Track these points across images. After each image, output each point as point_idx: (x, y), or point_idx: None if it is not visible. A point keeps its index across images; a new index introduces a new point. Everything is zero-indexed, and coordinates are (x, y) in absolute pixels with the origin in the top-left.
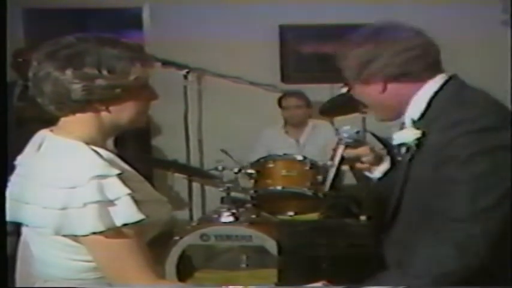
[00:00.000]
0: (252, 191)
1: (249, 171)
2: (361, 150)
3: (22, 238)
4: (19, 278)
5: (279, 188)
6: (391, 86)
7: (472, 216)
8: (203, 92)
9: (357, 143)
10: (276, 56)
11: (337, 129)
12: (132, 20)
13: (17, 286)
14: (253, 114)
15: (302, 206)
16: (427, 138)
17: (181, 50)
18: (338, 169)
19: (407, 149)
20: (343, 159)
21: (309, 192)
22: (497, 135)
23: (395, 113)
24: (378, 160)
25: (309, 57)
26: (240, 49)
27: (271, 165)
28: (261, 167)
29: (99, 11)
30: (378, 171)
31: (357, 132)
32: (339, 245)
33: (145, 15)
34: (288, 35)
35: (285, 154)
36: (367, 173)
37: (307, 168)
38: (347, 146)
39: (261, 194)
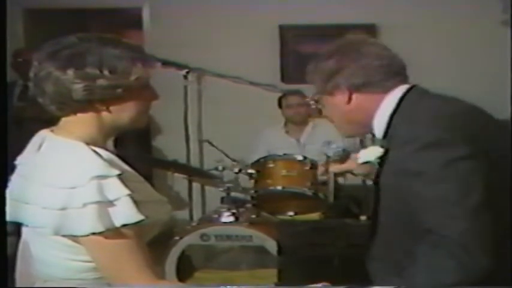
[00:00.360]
0: (252, 191)
1: (249, 171)
2: (348, 165)
3: (22, 238)
4: (19, 278)
5: (279, 188)
6: (355, 97)
7: (461, 231)
8: (203, 92)
9: (343, 158)
10: (276, 56)
11: (328, 142)
12: (132, 20)
13: (17, 286)
14: (253, 114)
15: (302, 206)
16: (388, 156)
17: (181, 50)
18: (335, 181)
19: None
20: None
21: (309, 192)
22: (449, 148)
23: (361, 128)
24: (371, 168)
25: (309, 57)
26: (240, 49)
27: (271, 165)
28: (261, 167)
29: (99, 11)
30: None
31: (342, 149)
32: (339, 245)
33: (145, 15)
34: (288, 35)
35: (285, 154)
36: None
37: (308, 168)
38: (335, 161)
39: (261, 194)
